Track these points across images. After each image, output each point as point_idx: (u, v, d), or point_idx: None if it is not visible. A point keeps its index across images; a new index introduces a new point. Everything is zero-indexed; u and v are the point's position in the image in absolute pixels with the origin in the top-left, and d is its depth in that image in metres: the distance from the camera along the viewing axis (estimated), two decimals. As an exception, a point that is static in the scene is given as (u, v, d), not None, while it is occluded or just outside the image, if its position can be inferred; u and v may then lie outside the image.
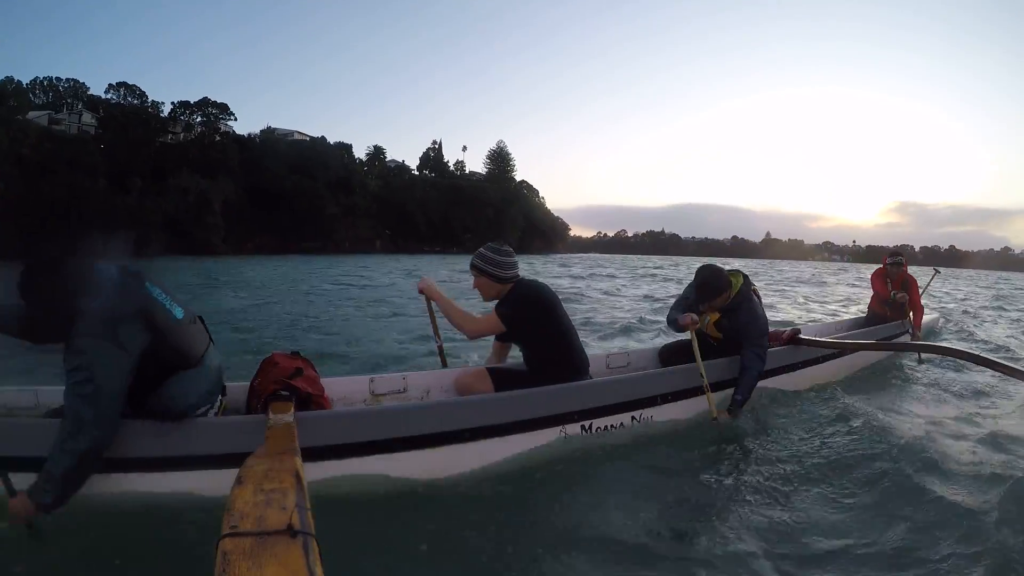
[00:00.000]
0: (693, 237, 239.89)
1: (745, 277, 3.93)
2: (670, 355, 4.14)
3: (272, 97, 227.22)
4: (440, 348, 3.81)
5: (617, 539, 2.29)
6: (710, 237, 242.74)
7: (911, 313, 6.71)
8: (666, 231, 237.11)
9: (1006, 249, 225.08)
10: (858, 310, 11.02)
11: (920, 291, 6.95)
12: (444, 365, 3.73)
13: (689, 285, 4.00)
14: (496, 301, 3.17)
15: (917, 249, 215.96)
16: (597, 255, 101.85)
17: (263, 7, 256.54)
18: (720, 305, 3.85)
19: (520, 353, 3.36)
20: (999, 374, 3.52)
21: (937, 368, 5.70)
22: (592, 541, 2.27)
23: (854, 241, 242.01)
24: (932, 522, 2.46)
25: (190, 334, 2.34)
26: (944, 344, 4.87)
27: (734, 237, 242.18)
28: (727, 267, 4.03)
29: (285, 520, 1.41)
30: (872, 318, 6.96)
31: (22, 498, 1.99)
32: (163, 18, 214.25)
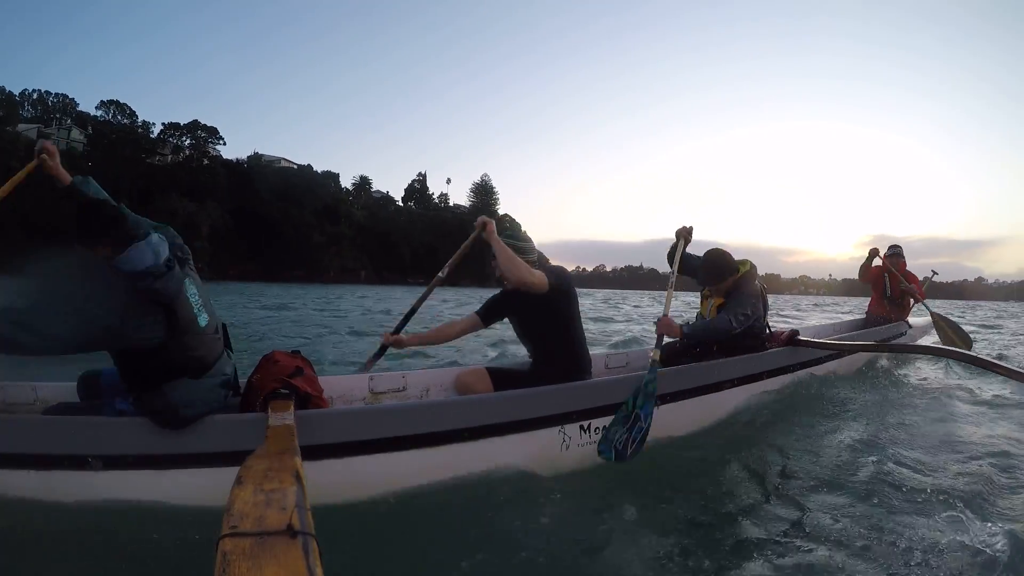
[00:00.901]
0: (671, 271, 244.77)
1: (752, 266, 3.95)
2: (670, 356, 4.04)
3: (258, 123, 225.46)
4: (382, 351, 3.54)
5: (616, 539, 2.29)
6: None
7: (911, 300, 6.75)
8: (644, 266, 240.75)
9: (979, 279, 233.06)
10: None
11: (919, 290, 6.92)
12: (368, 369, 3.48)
13: None
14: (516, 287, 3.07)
15: None
16: (580, 289, 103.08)
17: (251, 32, 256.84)
18: (725, 290, 3.87)
19: (515, 353, 3.33)
20: (997, 375, 3.52)
21: (934, 368, 5.74)
22: (591, 541, 2.27)
23: (830, 275, 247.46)
24: (930, 523, 2.44)
25: (206, 344, 2.34)
26: (942, 346, 4.91)
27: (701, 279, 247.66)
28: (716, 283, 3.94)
29: (285, 520, 1.40)
30: (871, 320, 6.92)
31: None
32: (153, 38, 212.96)
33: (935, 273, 8.38)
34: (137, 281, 2.08)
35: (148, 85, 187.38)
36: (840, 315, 12.32)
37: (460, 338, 3.45)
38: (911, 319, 6.89)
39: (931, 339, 7.19)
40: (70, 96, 75.84)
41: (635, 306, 25.97)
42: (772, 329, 4.32)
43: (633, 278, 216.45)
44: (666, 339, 3.53)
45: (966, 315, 26.58)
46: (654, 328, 3.67)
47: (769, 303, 4.09)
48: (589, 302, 28.50)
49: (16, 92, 67.87)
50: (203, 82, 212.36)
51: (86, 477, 2.12)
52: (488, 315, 3.33)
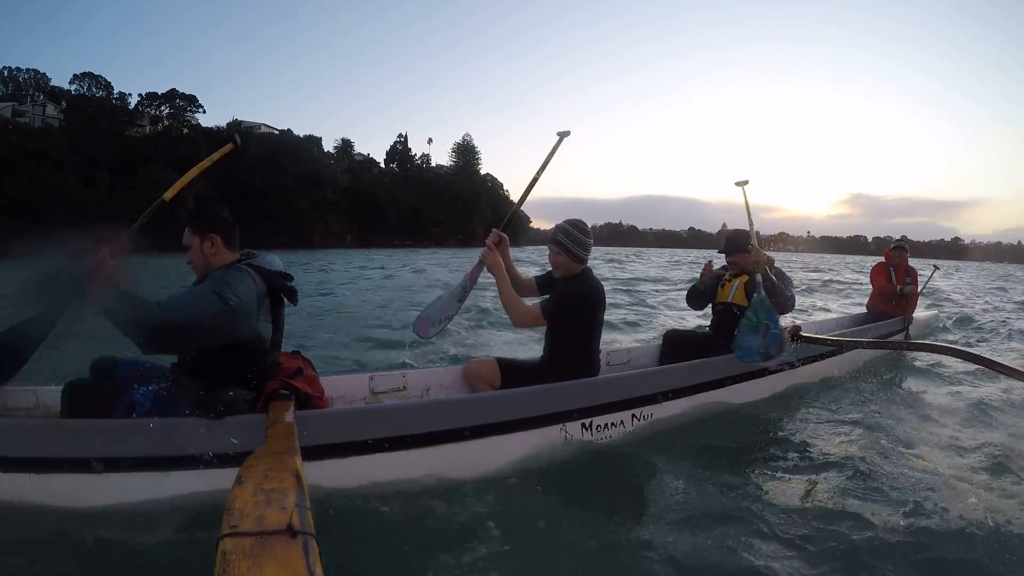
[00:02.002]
0: (651, 228, 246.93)
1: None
2: (673, 345, 4.20)
3: (236, 89, 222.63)
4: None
5: (618, 538, 2.30)
6: (667, 228, 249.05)
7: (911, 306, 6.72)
8: (624, 223, 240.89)
9: (956, 239, 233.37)
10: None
11: (919, 287, 6.99)
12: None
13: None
14: (563, 279, 3.15)
15: (870, 239, 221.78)
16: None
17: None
18: (746, 264, 4.00)
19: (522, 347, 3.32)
20: (998, 373, 3.42)
21: (936, 366, 5.70)
22: (593, 540, 2.27)
23: (808, 232, 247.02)
24: (930, 522, 2.46)
25: (272, 365, 2.50)
26: (944, 344, 4.75)
27: (691, 228, 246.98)
28: (688, 256, 4.37)
29: (285, 520, 1.41)
30: (873, 314, 6.84)
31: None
32: (123, 6, 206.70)
33: (936, 268, 8.49)
34: (276, 279, 2.30)
35: (120, 55, 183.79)
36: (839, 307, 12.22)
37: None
38: (915, 314, 6.84)
39: (931, 335, 7.29)
40: (41, 71, 74.63)
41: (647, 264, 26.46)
42: None
43: (614, 235, 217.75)
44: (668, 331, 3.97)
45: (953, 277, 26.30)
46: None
47: None
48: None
49: (-16, 71, 67.22)
50: (176, 49, 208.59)
51: (87, 480, 2.13)
52: (542, 289, 3.34)
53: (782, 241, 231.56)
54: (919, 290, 7.00)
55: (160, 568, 2.03)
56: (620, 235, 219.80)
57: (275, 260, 2.44)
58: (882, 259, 7.02)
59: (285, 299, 2.47)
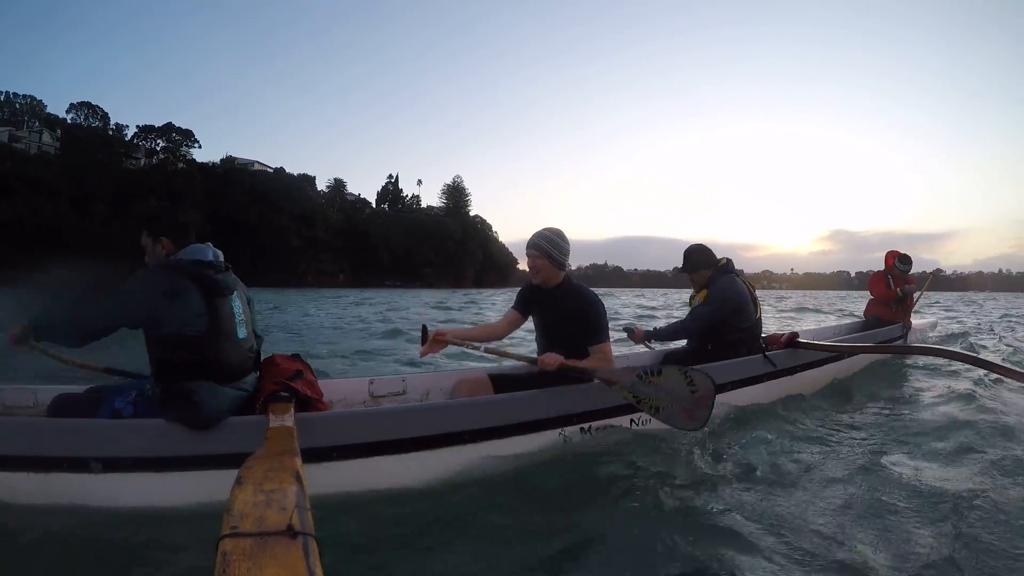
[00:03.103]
0: (636, 269, 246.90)
1: (729, 261, 4.21)
2: (670, 361, 4.19)
3: (229, 125, 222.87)
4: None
5: (615, 541, 2.29)
6: (652, 268, 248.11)
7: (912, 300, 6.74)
8: (609, 263, 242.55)
9: (938, 270, 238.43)
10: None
11: (915, 296, 6.96)
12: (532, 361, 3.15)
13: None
14: (556, 289, 3.06)
15: (853, 274, 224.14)
16: None
17: (220, 34, 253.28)
18: (702, 281, 4.14)
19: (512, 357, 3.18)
20: (996, 375, 3.44)
21: (935, 370, 5.70)
22: (590, 543, 2.26)
23: (791, 269, 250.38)
24: (927, 525, 2.46)
25: (240, 356, 2.45)
26: (942, 347, 4.85)
27: (675, 268, 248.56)
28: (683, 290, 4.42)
29: (285, 520, 1.41)
30: (870, 322, 6.86)
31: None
32: (121, 39, 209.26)
33: (937, 270, 8.49)
34: (200, 269, 2.33)
35: (116, 87, 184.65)
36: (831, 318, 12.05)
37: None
38: (913, 320, 6.84)
39: (928, 341, 7.22)
40: (38, 98, 74.52)
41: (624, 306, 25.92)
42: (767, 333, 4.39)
43: (599, 275, 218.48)
44: (672, 346, 3.93)
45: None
46: (626, 335, 4.10)
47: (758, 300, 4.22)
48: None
49: (-18, 95, 67.14)
50: (172, 84, 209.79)
51: (86, 480, 2.14)
52: (525, 308, 3.24)
53: (766, 279, 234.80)
54: (917, 295, 6.97)
55: (160, 568, 2.00)
56: (606, 276, 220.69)
57: (204, 250, 2.43)
58: (881, 271, 7.01)
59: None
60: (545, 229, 3.08)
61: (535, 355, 2.99)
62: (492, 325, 3.31)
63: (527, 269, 3.10)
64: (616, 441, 3.04)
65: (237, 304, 2.45)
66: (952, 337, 9.49)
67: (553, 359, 2.79)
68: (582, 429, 2.95)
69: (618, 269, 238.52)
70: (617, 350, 4.33)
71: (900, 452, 3.31)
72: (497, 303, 27.18)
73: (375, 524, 2.28)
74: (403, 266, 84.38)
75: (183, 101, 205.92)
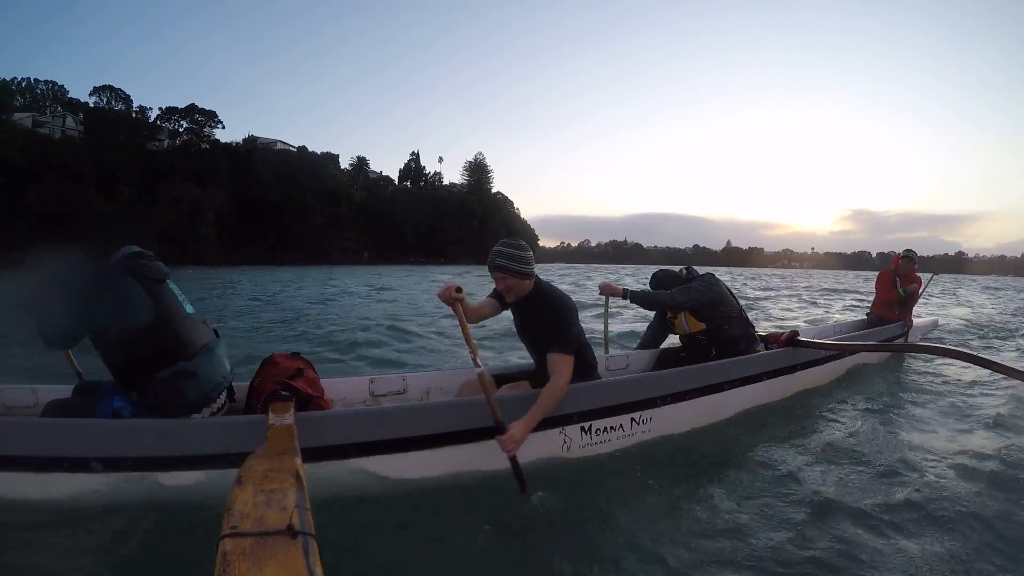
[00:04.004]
0: (655, 246, 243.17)
1: (690, 267, 4.32)
2: (670, 358, 4.21)
3: (251, 105, 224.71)
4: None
5: (616, 540, 2.29)
6: (672, 246, 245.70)
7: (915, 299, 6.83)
8: (628, 240, 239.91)
9: (960, 253, 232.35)
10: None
11: (920, 291, 7.04)
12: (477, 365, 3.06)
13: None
14: (527, 300, 2.96)
15: (874, 255, 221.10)
16: (564, 265, 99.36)
17: (239, 14, 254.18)
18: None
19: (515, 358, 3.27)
20: (996, 374, 3.52)
21: (936, 369, 5.71)
22: (590, 542, 2.28)
23: (812, 248, 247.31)
24: (929, 522, 2.47)
25: (195, 329, 2.46)
26: (943, 345, 4.88)
27: (695, 246, 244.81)
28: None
29: (285, 520, 1.41)
30: (874, 321, 6.93)
31: None
32: (140, 22, 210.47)
33: (933, 275, 8.46)
34: (134, 261, 2.34)
35: (136, 70, 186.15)
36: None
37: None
38: (914, 319, 6.93)
39: (930, 339, 7.32)
40: (59, 83, 74.88)
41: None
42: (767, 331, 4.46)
43: (618, 252, 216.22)
44: (666, 344, 4.03)
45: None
46: (599, 291, 4.09)
47: (764, 291, 4.26)
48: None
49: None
50: (192, 66, 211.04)
51: (86, 479, 2.15)
52: (503, 300, 3.12)
53: (787, 258, 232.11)
54: (920, 291, 7.04)
55: (160, 568, 2.03)
56: (624, 253, 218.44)
57: (128, 248, 2.44)
58: (889, 267, 7.08)
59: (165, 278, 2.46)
60: (500, 245, 2.93)
61: (533, 371, 3.07)
62: (481, 303, 3.17)
63: (498, 287, 2.97)
64: (617, 440, 3.03)
65: (173, 284, 2.47)
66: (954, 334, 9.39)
67: (510, 443, 2.56)
68: (582, 428, 2.94)
69: (638, 246, 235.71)
70: (618, 350, 4.66)
71: (900, 450, 3.31)
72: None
73: (375, 524, 2.28)
74: (426, 243, 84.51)
75: (202, 84, 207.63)
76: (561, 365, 2.74)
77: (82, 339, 2.27)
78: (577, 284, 24.41)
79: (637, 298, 4.04)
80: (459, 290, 2.78)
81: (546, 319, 2.85)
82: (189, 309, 2.48)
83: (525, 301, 2.96)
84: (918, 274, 6.96)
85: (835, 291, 24.27)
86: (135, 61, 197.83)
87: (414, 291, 18.99)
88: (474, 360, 2.74)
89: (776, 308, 14.86)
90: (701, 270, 4.36)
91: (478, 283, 21.59)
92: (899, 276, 6.83)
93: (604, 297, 4.22)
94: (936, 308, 14.46)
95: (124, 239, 2.47)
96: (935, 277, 8.38)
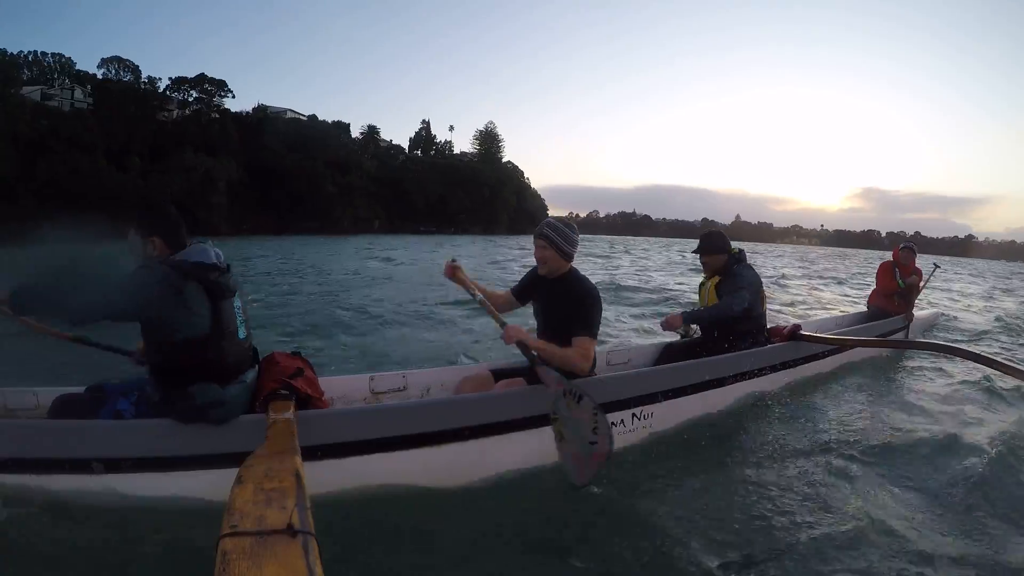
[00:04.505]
0: (664, 219, 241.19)
1: (742, 251, 4.19)
2: (674, 353, 4.18)
3: (259, 73, 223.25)
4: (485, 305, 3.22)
5: (617, 537, 2.30)
6: (680, 219, 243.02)
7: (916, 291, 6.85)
8: (637, 212, 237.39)
9: (970, 236, 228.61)
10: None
11: (922, 282, 7.04)
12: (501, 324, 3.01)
13: None
14: (558, 279, 3.01)
15: (883, 234, 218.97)
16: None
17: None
18: (717, 266, 4.16)
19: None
20: (998, 372, 3.57)
21: (937, 364, 5.73)
22: (591, 539, 2.28)
23: (822, 225, 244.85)
24: (929, 519, 2.48)
25: (241, 354, 2.47)
26: (945, 343, 4.92)
27: (704, 219, 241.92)
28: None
29: (285, 519, 1.41)
30: (874, 313, 6.91)
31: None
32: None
33: (937, 267, 8.33)
34: (204, 272, 2.28)
35: (143, 40, 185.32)
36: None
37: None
38: (916, 312, 6.88)
39: (931, 333, 7.36)
40: (67, 55, 74.21)
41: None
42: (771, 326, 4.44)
43: (627, 224, 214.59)
44: (670, 339, 4.09)
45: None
46: (662, 327, 4.07)
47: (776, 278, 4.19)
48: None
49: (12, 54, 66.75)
50: (200, 35, 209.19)
51: (88, 480, 2.16)
52: (522, 295, 3.24)
53: (795, 234, 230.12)
54: (922, 284, 7.06)
55: (160, 568, 2.03)
56: (633, 224, 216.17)
57: (206, 251, 2.39)
58: (890, 258, 7.11)
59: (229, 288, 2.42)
60: (555, 218, 3.00)
61: (516, 326, 2.88)
62: (494, 294, 3.27)
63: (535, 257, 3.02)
64: (618, 435, 2.96)
65: (238, 303, 2.44)
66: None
67: (514, 333, 2.73)
68: None
69: (646, 218, 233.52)
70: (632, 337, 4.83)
71: (899, 448, 3.30)
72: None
73: (375, 522, 2.27)
74: (437, 212, 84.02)
75: (210, 52, 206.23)
76: (586, 346, 2.81)
77: (101, 321, 2.20)
78: (607, 259, 23.73)
79: (701, 320, 4.07)
80: (454, 260, 2.99)
81: (574, 305, 2.88)
82: (242, 333, 2.47)
83: (555, 283, 3.00)
84: (918, 265, 6.97)
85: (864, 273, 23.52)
86: (142, 31, 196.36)
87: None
88: (473, 296, 3.00)
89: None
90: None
91: (483, 251, 21.52)
92: (899, 267, 6.84)
93: (673, 329, 4.20)
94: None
95: (182, 227, 2.41)
96: (937, 271, 8.23)
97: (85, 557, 2.06)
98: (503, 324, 2.84)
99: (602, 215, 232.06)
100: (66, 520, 2.14)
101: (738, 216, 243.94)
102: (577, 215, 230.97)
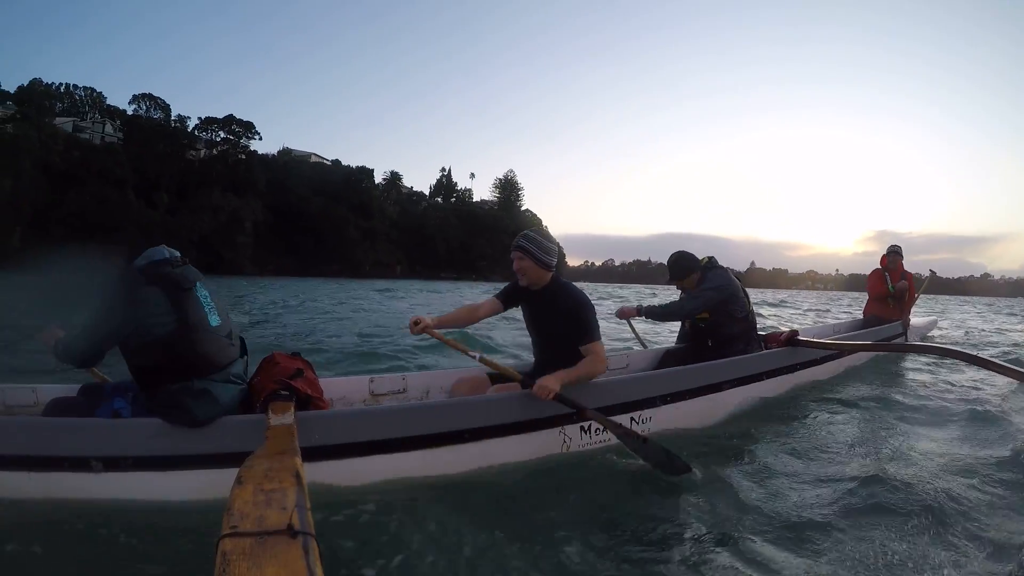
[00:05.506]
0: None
1: (712, 258, 4.29)
2: (673, 359, 4.16)
3: (284, 117, 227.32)
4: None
5: (616, 541, 2.26)
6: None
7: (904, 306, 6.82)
8: (652, 260, 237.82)
9: (985, 275, 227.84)
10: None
11: (916, 292, 7.10)
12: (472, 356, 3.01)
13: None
14: (545, 290, 3.02)
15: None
16: (587, 284, 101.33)
17: (271, 29, 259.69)
18: (693, 284, 4.15)
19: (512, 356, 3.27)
20: (993, 373, 3.58)
21: (934, 368, 5.75)
22: (591, 542, 2.23)
23: (837, 270, 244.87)
24: (928, 524, 2.40)
25: (217, 344, 2.40)
26: (941, 345, 4.90)
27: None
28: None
29: (285, 520, 1.40)
30: (870, 321, 6.95)
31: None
32: (175, 33, 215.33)
33: (933, 272, 8.19)
34: (157, 268, 2.25)
35: (172, 80, 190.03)
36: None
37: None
38: (912, 318, 6.92)
39: (928, 339, 7.41)
40: (97, 90, 74.78)
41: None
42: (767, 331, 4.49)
43: (642, 272, 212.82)
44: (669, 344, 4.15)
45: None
46: (617, 316, 4.21)
47: (777, 299, 4.17)
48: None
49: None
50: (226, 78, 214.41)
51: (87, 479, 2.12)
52: (507, 300, 3.21)
53: (810, 279, 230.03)
54: (915, 293, 7.09)
55: (160, 568, 2.00)
56: (649, 273, 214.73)
57: (161, 250, 2.36)
58: (876, 268, 7.11)
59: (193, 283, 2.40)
60: (529, 230, 3.06)
61: (530, 371, 2.95)
62: (472, 307, 3.24)
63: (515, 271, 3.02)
64: (617, 439, 2.90)
65: (203, 292, 2.38)
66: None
67: (548, 389, 2.66)
68: (582, 428, 2.90)
69: (662, 266, 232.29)
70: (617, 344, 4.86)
71: (899, 451, 3.22)
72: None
73: (375, 523, 2.23)
74: (458, 259, 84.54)
75: (237, 96, 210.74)
76: (597, 350, 2.85)
77: (105, 355, 2.26)
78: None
79: (653, 313, 4.19)
80: (417, 323, 2.93)
81: (570, 318, 2.88)
82: (214, 321, 2.39)
83: (539, 294, 3.00)
84: (907, 270, 7.00)
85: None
86: (173, 72, 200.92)
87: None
88: (467, 354, 2.90)
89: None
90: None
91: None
92: (888, 272, 6.89)
93: (625, 321, 4.41)
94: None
95: (161, 243, 2.39)
96: (933, 276, 8.14)
97: (84, 556, 2.00)
98: (529, 385, 2.77)
99: (617, 263, 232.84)
100: (65, 519, 2.08)
101: (753, 263, 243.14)
102: (592, 263, 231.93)
